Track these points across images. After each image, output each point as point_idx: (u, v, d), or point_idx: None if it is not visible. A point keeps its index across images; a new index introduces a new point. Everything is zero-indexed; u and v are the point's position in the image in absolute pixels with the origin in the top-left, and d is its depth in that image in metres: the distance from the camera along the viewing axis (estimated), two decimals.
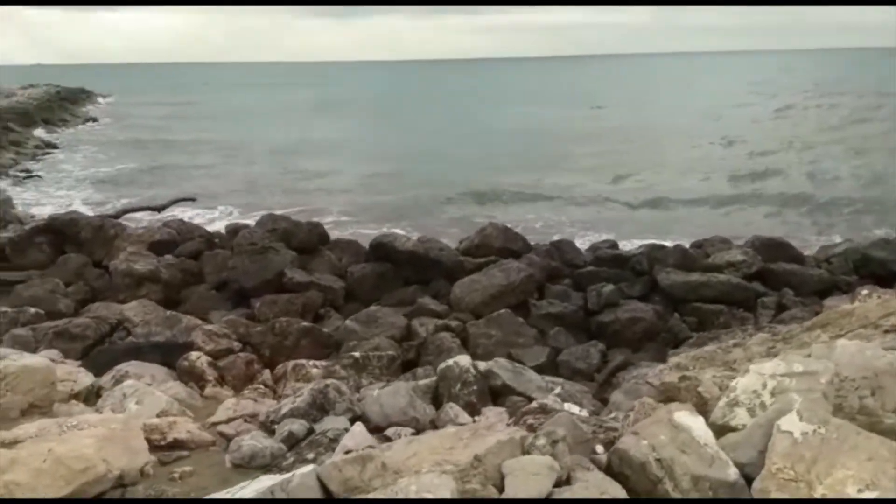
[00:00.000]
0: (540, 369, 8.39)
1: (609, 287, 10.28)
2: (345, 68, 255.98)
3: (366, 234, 14.80)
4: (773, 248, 12.08)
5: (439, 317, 9.36)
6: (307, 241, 11.30)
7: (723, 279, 10.38)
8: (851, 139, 34.35)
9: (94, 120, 53.11)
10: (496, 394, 6.61)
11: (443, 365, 6.65)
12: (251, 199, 24.48)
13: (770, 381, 4.61)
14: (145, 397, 5.75)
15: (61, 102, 54.78)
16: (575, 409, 6.08)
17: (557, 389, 6.52)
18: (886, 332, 6.27)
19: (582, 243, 13.46)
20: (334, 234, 12.79)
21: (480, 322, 9.16)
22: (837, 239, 16.57)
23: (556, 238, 13.15)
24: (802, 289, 10.99)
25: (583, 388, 6.74)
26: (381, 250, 11.06)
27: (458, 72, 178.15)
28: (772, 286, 11.15)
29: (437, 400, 6.63)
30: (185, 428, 5.10)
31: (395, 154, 34.07)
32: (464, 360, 6.60)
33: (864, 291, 9.98)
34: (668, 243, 12.19)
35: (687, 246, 13.32)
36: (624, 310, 9.75)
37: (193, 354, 7.66)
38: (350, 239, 12.54)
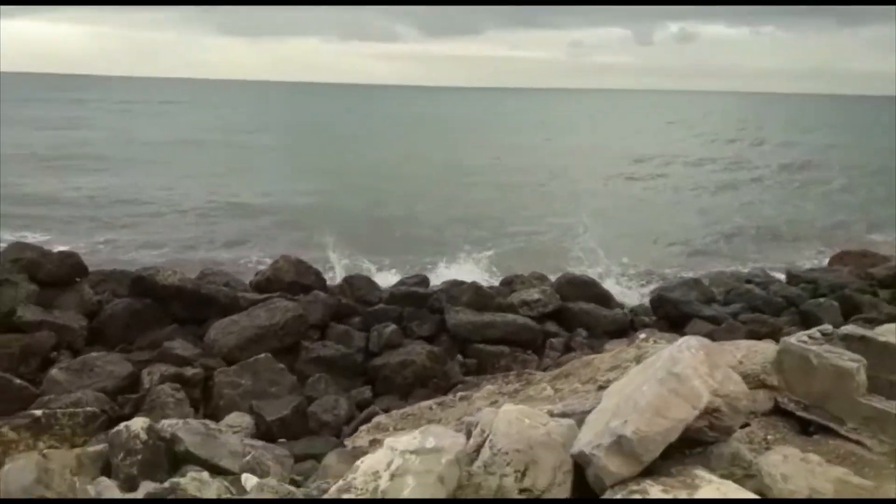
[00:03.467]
0: (283, 423, 7.48)
1: (391, 327, 9.53)
2: (253, 87, 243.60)
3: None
4: (577, 287, 11.83)
5: (185, 363, 8.23)
6: (57, 273, 9.85)
7: (509, 319, 9.89)
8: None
9: None
10: (180, 462, 5.60)
11: (114, 430, 5.59)
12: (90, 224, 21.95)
13: (398, 460, 3.87)
14: None
15: None
16: (252, 480, 5.17)
17: (249, 456, 5.59)
18: (601, 387, 5.76)
19: None
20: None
21: (231, 369, 8.11)
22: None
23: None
24: (596, 329, 10.72)
25: (284, 453, 5.83)
26: (142, 285, 9.81)
27: (368, 97, 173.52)
28: (567, 326, 10.83)
29: (108, 471, 5.55)
30: None
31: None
32: (137, 422, 5.53)
33: (642, 335, 9.74)
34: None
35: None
36: (398, 352, 9.01)
37: None
38: (123, 270, 11.16)
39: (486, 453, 4.00)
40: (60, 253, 10.24)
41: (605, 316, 10.88)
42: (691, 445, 3.85)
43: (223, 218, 23.38)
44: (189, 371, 7.82)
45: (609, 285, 15.46)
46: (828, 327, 4.74)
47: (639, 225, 24.18)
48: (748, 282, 14.60)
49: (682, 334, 10.95)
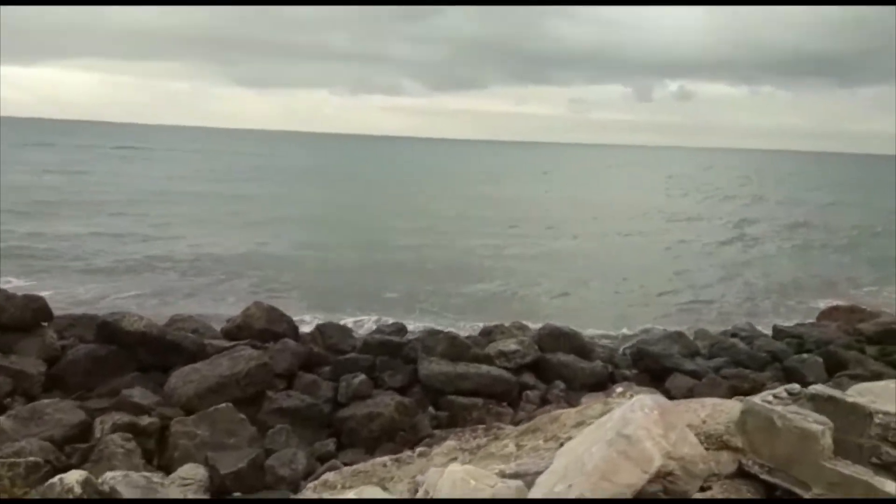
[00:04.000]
0: (238, 476, 7.13)
1: (359, 377, 9.24)
2: (261, 137, 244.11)
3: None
4: (557, 338, 11.58)
5: (142, 411, 7.91)
6: (20, 317, 9.57)
7: (483, 371, 9.61)
8: None
9: None
10: None
11: (47, 483, 5.28)
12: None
13: None
14: None
15: None
16: None
17: None
18: (562, 445, 5.49)
19: None
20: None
21: (189, 419, 7.78)
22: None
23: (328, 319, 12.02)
24: (574, 382, 10.44)
25: None
26: (107, 331, 9.54)
27: (374, 148, 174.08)
28: (545, 378, 10.54)
29: None
30: None
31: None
32: (72, 475, 5.22)
33: (619, 389, 9.46)
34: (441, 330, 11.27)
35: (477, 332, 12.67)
36: (365, 404, 8.70)
37: None
38: (92, 315, 10.88)
39: None
40: (25, 297, 9.97)
41: (584, 368, 10.61)
42: None
43: (207, 266, 23.05)
44: (145, 420, 7.50)
45: (594, 337, 15.26)
46: (795, 386, 4.52)
47: (630, 278, 24.02)
48: (733, 336, 14.39)
49: (663, 388, 10.72)
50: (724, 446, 4.55)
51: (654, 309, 20.45)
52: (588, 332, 16.60)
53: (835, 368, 12.18)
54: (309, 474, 7.26)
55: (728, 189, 66.16)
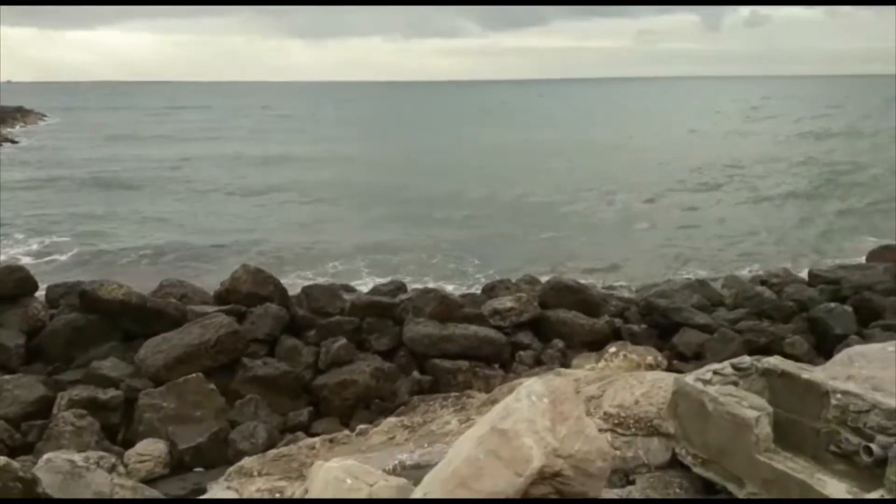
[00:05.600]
0: (198, 451, 6.90)
1: (340, 342, 8.86)
2: (318, 88, 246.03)
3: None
4: (561, 293, 10.92)
5: (110, 384, 7.73)
6: (2, 289, 9.50)
7: (469, 332, 9.09)
8: None
9: (13, 142, 48.27)
10: None
11: None
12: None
13: None
14: None
15: None
16: None
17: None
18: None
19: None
20: None
21: (157, 391, 7.57)
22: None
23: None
24: (573, 340, 9.84)
25: (156, 496, 5.21)
26: (87, 299, 9.37)
27: (429, 93, 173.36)
28: (544, 336, 9.97)
29: None
30: None
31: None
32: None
33: (612, 349, 8.83)
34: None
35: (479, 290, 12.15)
36: (341, 371, 8.34)
37: None
38: (87, 283, 10.71)
39: None
40: (7, 268, 9.88)
41: (583, 325, 9.98)
42: None
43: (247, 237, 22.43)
44: (108, 394, 7.30)
45: (614, 290, 14.48)
46: (745, 360, 3.86)
47: (688, 229, 22.87)
48: (763, 283, 13.42)
49: (670, 345, 10.02)
50: (655, 432, 3.96)
51: (699, 258, 19.43)
52: (610, 284, 15.87)
53: (870, 318, 11.22)
54: (272, 447, 6.97)
55: (818, 123, 61.35)
